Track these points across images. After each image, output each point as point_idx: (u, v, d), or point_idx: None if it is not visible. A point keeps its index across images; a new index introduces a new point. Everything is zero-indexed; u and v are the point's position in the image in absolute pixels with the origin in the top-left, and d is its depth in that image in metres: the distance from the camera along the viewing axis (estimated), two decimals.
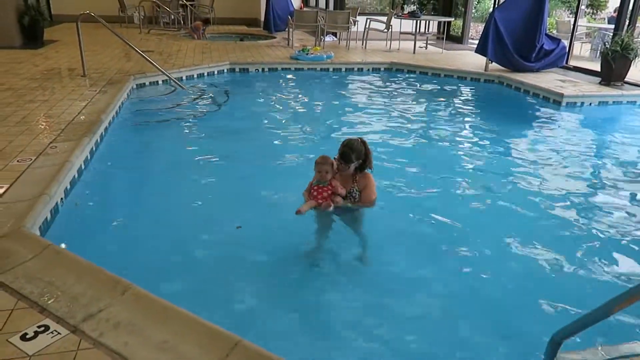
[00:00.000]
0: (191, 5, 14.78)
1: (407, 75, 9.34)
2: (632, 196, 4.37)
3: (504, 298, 2.88)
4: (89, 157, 4.34)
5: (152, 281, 2.50)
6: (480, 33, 9.33)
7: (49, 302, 2.16)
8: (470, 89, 8.60)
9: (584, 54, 11.69)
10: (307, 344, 2.47)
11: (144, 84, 7.36)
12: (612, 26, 9.08)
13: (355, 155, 3.24)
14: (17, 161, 3.79)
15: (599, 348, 2.13)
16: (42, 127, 4.69)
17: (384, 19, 11.80)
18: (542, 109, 7.23)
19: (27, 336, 1.97)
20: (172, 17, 14.61)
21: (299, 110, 6.96)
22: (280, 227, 3.52)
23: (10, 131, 4.53)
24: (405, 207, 3.91)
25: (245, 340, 1.96)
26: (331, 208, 3.29)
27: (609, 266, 3.20)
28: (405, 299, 2.84)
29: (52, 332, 1.99)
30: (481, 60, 9.21)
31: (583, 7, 13.14)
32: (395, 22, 11.50)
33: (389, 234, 3.50)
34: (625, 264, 3.22)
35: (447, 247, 3.39)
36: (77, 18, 6.96)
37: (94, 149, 4.54)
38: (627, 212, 4.00)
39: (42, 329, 2.01)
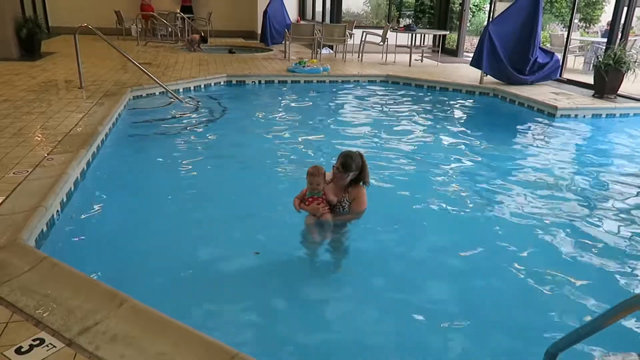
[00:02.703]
0: (188, 18, 14.89)
1: (402, 88, 9.41)
2: (626, 207, 4.39)
3: (498, 310, 2.88)
4: (85, 169, 4.34)
5: (149, 293, 2.49)
6: (475, 46, 9.43)
7: (45, 315, 2.15)
8: (466, 102, 8.67)
9: (577, 67, 11.82)
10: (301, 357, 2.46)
11: (141, 96, 7.38)
12: (605, 39, 9.20)
13: (354, 165, 3.32)
14: (14, 173, 3.79)
15: None
16: (39, 139, 4.70)
17: (380, 32, 11.93)
18: (537, 121, 7.29)
19: (22, 349, 1.96)
20: (170, 29, 14.71)
21: (296, 122, 6.99)
22: (276, 237, 3.53)
23: (7, 143, 4.53)
24: (398, 219, 3.92)
25: (243, 354, 1.95)
26: (329, 219, 3.36)
27: (603, 278, 3.21)
28: (399, 312, 2.84)
29: (47, 346, 1.98)
30: (476, 73, 9.31)
31: (576, 21, 13.32)
32: (391, 35, 11.63)
33: (382, 247, 3.51)
34: (620, 276, 3.24)
35: (440, 260, 3.39)
36: (75, 30, 7.00)
37: (90, 161, 4.54)
38: (622, 224, 4.03)
39: (38, 342, 2.00)
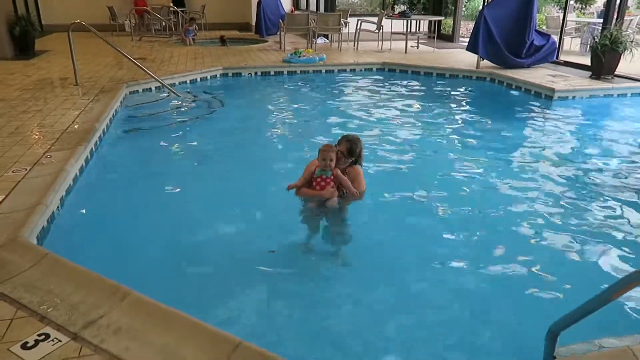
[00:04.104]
0: (182, 11, 14.78)
1: (399, 75, 9.39)
2: (625, 187, 4.40)
3: (500, 290, 2.90)
4: (84, 166, 4.34)
5: (151, 286, 2.50)
6: (471, 31, 9.39)
7: (49, 310, 2.16)
8: (463, 87, 8.64)
9: (574, 48, 11.76)
10: (306, 344, 2.48)
11: (137, 91, 7.36)
12: (601, 20, 9.14)
13: (357, 149, 3.47)
14: (13, 172, 3.79)
15: (596, 340, 2.15)
16: (36, 137, 4.69)
17: (375, 19, 11.85)
18: (534, 104, 7.28)
19: (28, 345, 1.97)
20: (163, 23, 14.62)
21: (294, 112, 6.97)
22: (275, 228, 3.55)
23: (5, 142, 4.52)
24: (397, 203, 3.94)
25: (246, 342, 1.97)
26: (336, 204, 3.41)
27: (603, 256, 3.22)
28: (399, 295, 2.86)
29: (52, 340, 1.99)
30: (472, 58, 9.26)
31: (572, 2, 13.24)
32: (386, 22, 11.56)
33: (381, 231, 3.54)
34: (620, 253, 3.25)
35: (440, 241, 3.41)
36: (68, 27, 6.96)
37: (89, 157, 4.54)
38: (620, 203, 4.04)
39: (43, 337, 2.01)
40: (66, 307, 2.18)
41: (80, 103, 6.02)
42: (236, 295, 2.82)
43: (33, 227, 2.95)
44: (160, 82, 7.32)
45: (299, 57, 9.51)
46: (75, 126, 5.03)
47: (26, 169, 3.83)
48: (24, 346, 1.97)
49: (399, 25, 11.88)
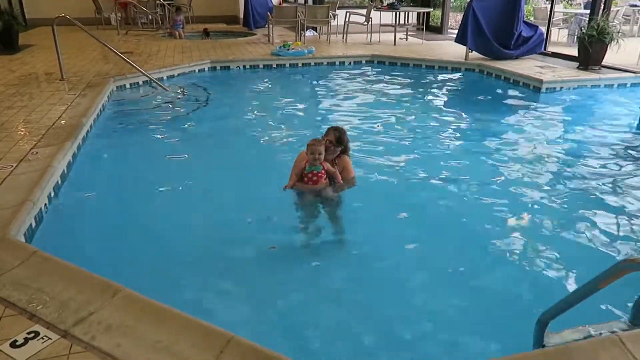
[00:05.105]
0: (169, 4, 14.61)
1: (388, 67, 9.38)
2: (612, 176, 4.45)
3: (489, 282, 2.92)
4: (71, 162, 4.29)
5: (142, 283, 2.49)
6: (460, 23, 9.40)
7: (38, 308, 2.14)
8: (452, 79, 8.66)
9: (561, 39, 11.83)
10: (299, 337, 2.48)
11: (125, 85, 7.28)
12: (588, 11, 9.19)
13: (345, 138, 3.58)
14: None
15: (586, 326, 2.18)
16: (22, 133, 4.62)
17: (364, 11, 11.81)
18: (523, 96, 7.32)
19: (17, 343, 1.95)
20: (150, 17, 14.44)
21: (283, 105, 6.95)
22: (265, 222, 3.55)
23: None
24: (387, 195, 3.96)
25: (238, 336, 1.96)
26: (332, 192, 3.50)
27: (591, 245, 3.27)
28: (390, 286, 2.88)
29: (42, 338, 1.97)
30: (461, 49, 9.28)
31: None
32: (374, 14, 11.52)
33: (372, 220, 3.56)
34: (607, 242, 3.29)
35: (430, 232, 3.44)
36: (53, 21, 6.85)
37: (76, 153, 4.49)
38: (608, 193, 4.09)
39: (32, 335, 1.99)
40: (56, 305, 2.16)
41: (66, 98, 5.94)
42: (232, 291, 2.82)
43: (20, 224, 2.92)
44: (148, 77, 7.25)
45: (288, 50, 9.47)
46: (62, 122, 4.96)
47: (12, 166, 3.78)
48: (13, 344, 1.95)
49: (387, 17, 11.85)
